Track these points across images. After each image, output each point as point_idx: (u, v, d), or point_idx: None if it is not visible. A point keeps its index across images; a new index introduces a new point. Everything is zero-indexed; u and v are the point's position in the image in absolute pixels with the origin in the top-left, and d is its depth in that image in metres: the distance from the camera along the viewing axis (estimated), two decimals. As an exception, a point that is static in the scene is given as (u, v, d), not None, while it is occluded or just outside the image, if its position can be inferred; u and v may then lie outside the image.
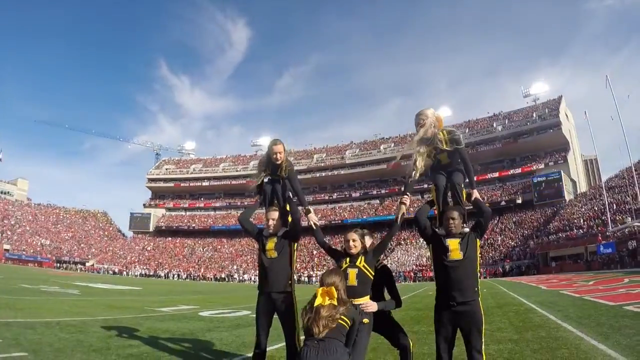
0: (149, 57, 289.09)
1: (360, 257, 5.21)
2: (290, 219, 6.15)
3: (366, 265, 5.18)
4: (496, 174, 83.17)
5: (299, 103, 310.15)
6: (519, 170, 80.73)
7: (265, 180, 6.61)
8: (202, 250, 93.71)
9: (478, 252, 5.10)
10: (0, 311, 11.42)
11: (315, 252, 76.93)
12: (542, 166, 77.27)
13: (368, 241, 5.55)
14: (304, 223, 5.98)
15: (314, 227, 5.92)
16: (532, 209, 72.82)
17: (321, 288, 4.36)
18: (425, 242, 5.51)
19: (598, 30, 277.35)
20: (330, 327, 4.06)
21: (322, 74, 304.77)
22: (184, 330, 9.99)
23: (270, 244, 5.80)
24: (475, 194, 5.51)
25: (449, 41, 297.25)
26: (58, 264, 77.52)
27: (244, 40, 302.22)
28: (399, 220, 5.52)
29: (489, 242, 67.94)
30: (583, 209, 59.63)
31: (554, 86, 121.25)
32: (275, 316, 5.68)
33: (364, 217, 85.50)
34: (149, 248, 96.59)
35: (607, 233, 45.79)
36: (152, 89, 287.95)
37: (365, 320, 4.93)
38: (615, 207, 50.57)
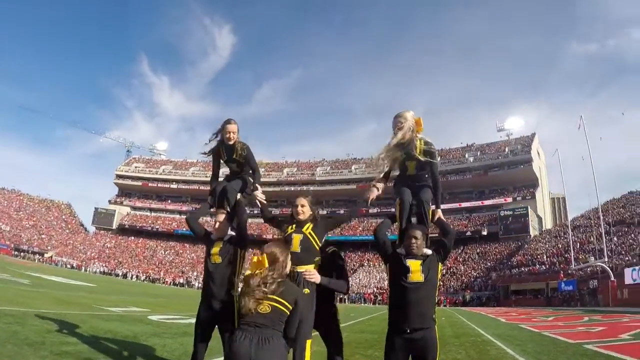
0: (131, 52, 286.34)
1: (308, 224, 4.98)
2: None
3: (312, 233, 4.94)
4: (464, 204, 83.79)
5: (276, 115, 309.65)
6: (487, 203, 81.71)
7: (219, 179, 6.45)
8: (163, 253, 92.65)
9: (439, 276, 4.79)
10: None
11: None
12: (510, 200, 78.54)
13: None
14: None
15: (260, 204, 5.79)
16: (497, 242, 73.54)
17: (255, 256, 3.95)
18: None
19: (577, 73, 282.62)
20: (263, 306, 3.72)
21: (302, 89, 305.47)
22: (127, 333, 9.54)
23: (216, 249, 5.52)
24: (439, 213, 5.29)
25: (429, 69, 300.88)
26: (16, 252, 76.11)
27: (227, 46, 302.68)
28: (367, 201, 5.39)
29: (451, 270, 68.46)
30: (547, 246, 60.64)
31: (528, 122, 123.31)
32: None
33: (329, 235, 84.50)
34: (110, 245, 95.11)
35: (569, 271, 46.43)
36: (130, 84, 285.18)
37: (306, 290, 4.63)
38: (579, 246, 51.33)
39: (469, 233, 77.03)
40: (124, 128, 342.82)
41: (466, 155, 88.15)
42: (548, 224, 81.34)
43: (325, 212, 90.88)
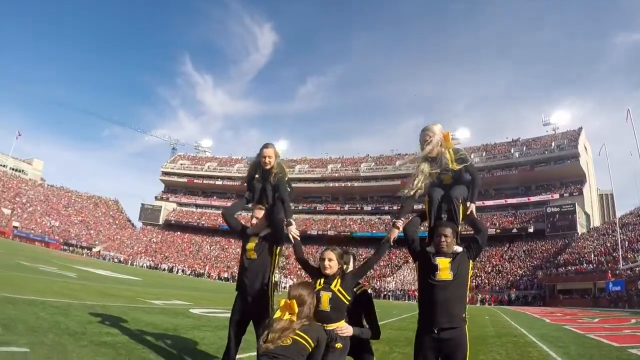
0: (175, 52, 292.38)
1: (336, 280, 4.78)
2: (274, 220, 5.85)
3: (341, 289, 4.74)
4: (510, 200, 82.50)
5: (319, 112, 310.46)
6: (533, 199, 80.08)
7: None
8: (209, 248, 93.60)
9: (470, 274, 4.72)
10: (-13, 284, 11.23)
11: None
12: (557, 196, 76.68)
13: (350, 263, 5.26)
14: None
15: (293, 241, 5.54)
16: (544, 239, 71.82)
17: (283, 300, 4.00)
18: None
19: (624, 64, 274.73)
20: (279, 343, 3.70)
21: (345, 85, 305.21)
22: (167, 325, 9.64)
23: (251, 244, 5.59)
24: (473, 207, 5.15)
25: (471, 63, 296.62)
26: (65, 247, 77.77)
27: (269, 44, 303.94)
28: (390, 241, 5.11)
29: (497, 268, 67.59)
30: (595, 244, 58.87)
31: (575, 116, 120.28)
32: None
33: (374, 231, 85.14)
34: (156, 240, 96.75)
35: (617, 271, 45.11)
36: (175, 84, 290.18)
37: (338, 345, 4.52)
38: (627, 245, 49.87)
39: (515, 230, 75.67)
40: (169, 126, 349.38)
41: (512, 151, 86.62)
42: (596, 221, 79.23)
43: (370, 207, 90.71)
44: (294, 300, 3.93)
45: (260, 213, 5.83)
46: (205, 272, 77.61)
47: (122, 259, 79.42)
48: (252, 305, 5.39)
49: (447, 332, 4.36)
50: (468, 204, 5.20)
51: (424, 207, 5.49)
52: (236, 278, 5.87)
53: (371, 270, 73.81)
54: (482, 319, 23.85)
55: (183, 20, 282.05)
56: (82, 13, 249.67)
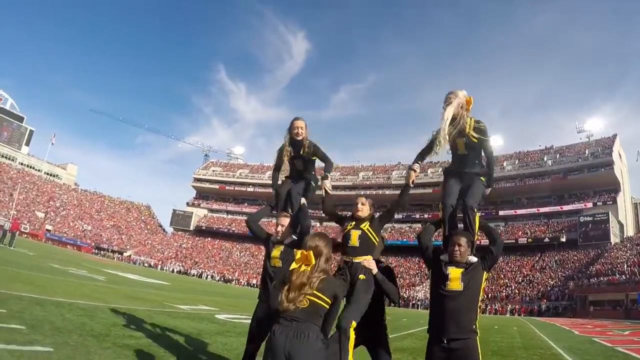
0: (210, 61, 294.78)
1: (365, 222, 5.15)
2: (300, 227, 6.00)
3: (370, 230, 5.07)
4: (542, 209, 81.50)
5: (351, 120, 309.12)
6: (566, 208, 78.89)
7: (282, 178, 6.62)
8: (239, 254, 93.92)
9: (483, 285, 4.67)
10: (18, 285, 11.46)
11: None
12: (590, 205, 75.31)
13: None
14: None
15: (325, 195, 5.86)
16: (576, 249, 70.61)
17: (299, 251, 3.88)
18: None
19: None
20: (302, 300, 3.65)
21: (377, 93, 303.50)
22: (191, 330, 9.72)
23: (276, 252, 5.65)
24: (487, 192, 5.39)
25: (503, 70, 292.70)
26: (96, 251, 78.64)
27: (302, 52, 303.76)
28: (410, 184, 5.42)
29: (527, 278, 66.74)
30: (628, 254, 57.68)
31: (609, 123, 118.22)
32: None
33: (404, 239, 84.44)
34: (186, 246, 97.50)
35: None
36: (209, 92, 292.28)
37: (362, 276, 4.71)
38: (662, 255, 48.78)
39: (547, 239, 74.63)
40: (203, 134, 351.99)
41: (545, 159, 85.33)
42: (630, 230, 77.32)
43: (401, 216, 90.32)
44: (311, 252, 3.83)
45: (285, 220, 5.89)
46: (235, 278, 78.01)
47: (152, 264, 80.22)
48: (274, 314, 5.36)
49: (456, 343, 4.34)
50: (485, 188, 5.38)
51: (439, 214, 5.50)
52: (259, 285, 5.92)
53: (401, 279, 73.69)
54: (510, 329, 23.64)
55: (218, 29, 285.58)
56: (120, 24, 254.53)
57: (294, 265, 3.84)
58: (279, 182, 6.76)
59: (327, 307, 3.80)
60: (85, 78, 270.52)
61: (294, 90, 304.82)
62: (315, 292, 3.72)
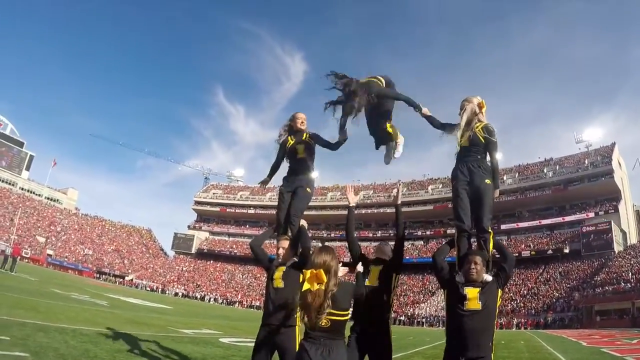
0: (208, 84, 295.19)
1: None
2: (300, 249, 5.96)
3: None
4: (544, 221, 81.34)
5: (349, 139, 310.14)
6: (568, 219, 78.75)
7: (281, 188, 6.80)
8: (241, 276, 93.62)
9: (499, 302, 4.71)
10: (21, 311, 11.40)
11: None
12: (592, 215, 75.21)
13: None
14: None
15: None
16: (580, 260, 70.51)
17: (309, 271, 3.89)
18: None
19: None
20: (320, 318, 3.78)
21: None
22: (196, 355, 9.62)
23: (278, 274, 5.59)
24: (497, 193, 5.60)
25: (501, 86, 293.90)
26: (98, 275, 78.59)
27: (300, 73, 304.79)
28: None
29: (532, 291, 66.54)
30: (632, 262, 57.70)
31: (607, 132, 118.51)
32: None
33: (407, 257, 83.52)
34: (188, 269, 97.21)
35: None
36: (207, 115, 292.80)
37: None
38: (666, 262, 48.73)
39: (550, 251, 74.40)
40: (203, 157, 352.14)
41: (545, 170, 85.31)
42: (633, 238, 77.06)
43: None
44: (321, 269, 3.86)
45: (285, 243, 5.90)
46: (237, 301, 77.78)
47: (154, 288, 80.00)
48: (278, 335, 5.33)
49: None
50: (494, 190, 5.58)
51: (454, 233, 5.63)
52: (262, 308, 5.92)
53: (405, 297, 73.51)
54: (517, 344, 23.48)
55: (215, 51, 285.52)
56: (118, 48, 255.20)
57: (306, 286, 3.84)
58: (279, 192, 6.85)
59: (347, 318, 4.00)
60: (85, 103, 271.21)
61: (292, 111, 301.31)
62: (333, 310, 3.84)
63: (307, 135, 6.82)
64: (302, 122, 6.79)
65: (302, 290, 3.86)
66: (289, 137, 6.82)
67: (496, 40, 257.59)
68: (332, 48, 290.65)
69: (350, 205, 6.01)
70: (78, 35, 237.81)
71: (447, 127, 5.93)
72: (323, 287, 3.82)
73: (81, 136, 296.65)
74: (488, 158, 5.79)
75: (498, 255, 5.14)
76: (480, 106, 5.73)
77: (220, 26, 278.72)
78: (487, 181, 5.48)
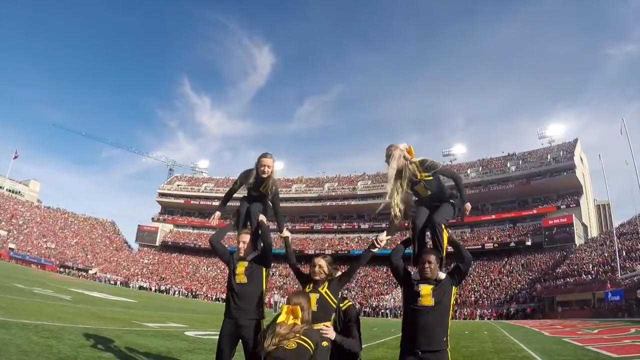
0: (174, 74, 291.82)
1: (324, 284, 5.08)
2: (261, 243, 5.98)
3: (328, 292, 5.03)
4: (507, 215, 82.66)
5: (316, 131, 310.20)
6: (530, 212, 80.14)
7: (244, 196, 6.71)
8: (206, 269, 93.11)
9: (453, 299, 4.88)
10: (-19, 308, 11.15)
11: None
12: (554, 209, 76.69)
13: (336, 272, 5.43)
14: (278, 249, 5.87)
15: (285, 250, 5.93)
16: (542, 252, 71.96)
17: (286, 306, 4.25)
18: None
19: (616, 76, 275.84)
20: (284, 346, 3.92)
21: (342, 104, 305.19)
22: (161, 349, 9.55)
23: (240, 268, 5.62)
24: (468, 207, 5.42)
25: (467, 79, 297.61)
26: (61, 269, 77.10)
27: (267, 65, 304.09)
28: (367, 252, 5.49)
29: (495, 282, 67.55)
30: (593, 254, 59.02)
31: (570, 129, 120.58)
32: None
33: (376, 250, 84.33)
34: (153, 262, 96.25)
35: (616, 280, 45.11)
36: (173, 106, 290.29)
37: (325, 343, 4.61)
38: (625, 254, 50.06)
39: (512, 244, 75.61)
40: (168, 148, 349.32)
41: (508, 165, 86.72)
42: (594, 232, 79.34)
43: (367, 226, 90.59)
44: (297, 307, 4.20)
45: (246, 237, 5.89)
46: (203, 293, 77.48)
47: (118, 281, 78.74)
48: (242, 329, 5.37)
49: (427, 355, 4.52)
50: (463, 206, 5.46)
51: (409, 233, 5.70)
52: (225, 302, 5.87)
53: (370, 288, 73.93)
54: (480, 334, 23.75)
55: (181, 42, 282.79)
56: (83, 36, 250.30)
57: (282, 318, 4.15)
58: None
59: (312, 351, 4.06)
60: (48, 92, 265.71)
61: (260, 102, 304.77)
62: (302, 336, 4.05)
63: (270, 186, 6.40)
64: (264, 170, 6.26)
65: (278, 321, 4.12)
66: (249, 177, 6.46)
67: (464, 34, 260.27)
68: (301, 40, 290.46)
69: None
70: (40, 22, 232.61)
71: (392, 227, 5.81)
72: (298, 321, 4.15)
73: (43, 126, 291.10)
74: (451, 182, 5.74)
75: (452, 250, 5.32)
76: (409, 152, 5.60)
77: (186, 15, 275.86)
78: (451, 201, 5.59)
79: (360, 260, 5.56)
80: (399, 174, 5.53)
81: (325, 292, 5.02)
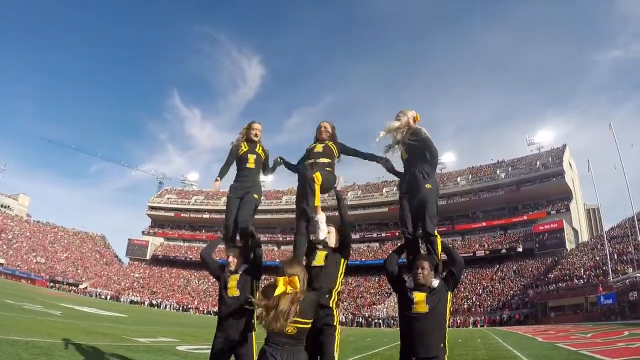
0: (164, 87, 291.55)
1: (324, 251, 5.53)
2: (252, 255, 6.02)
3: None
4: (498, 222, 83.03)
5: (306, 142, 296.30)
6: (521, 218, 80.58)
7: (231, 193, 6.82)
8: (197, 282, 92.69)
9: (449, 305, 4.89)
10: (-30, 325, 11.02)
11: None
12: (544, 215, 77.02)
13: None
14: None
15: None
16: (533, 258, 72.07)
17: (283, 277, 4.13)
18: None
19: (603, 82, 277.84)
20: (287, 323, 3.96)
21: (333, 114, 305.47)
22: (152, 364, 9.47)
23: (232, 282, 5.62)
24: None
25: (457, 87, 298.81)
26: (51, 284, 76.66)
27: (257, 77, 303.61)
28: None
29: (487, 289, 67.60)
30: (584, 259, 59.34)
31: (558, 135, 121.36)
32: None
33: (363, 259, 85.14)
34: (143, 276, 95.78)
35: (608, 283, 45.30)
36: (163, 118, 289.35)
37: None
38: (616, 257, 50.44)
39: (504, 250, 75.84)
40: (158, 161, 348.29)
41: (497, 172, 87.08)
42: (584, 236, 79.85)
43: (357, 236, 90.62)
44: (295, 277, 4.13)
45: (235, 251, 5.90)
46: (194, 307, 77.04)
47: (109, 296, 78.28)
48: (235, 342, 5.35)
49: None
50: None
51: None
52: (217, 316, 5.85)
53: (362, 299, 73.81)
54: (474, 342, 23.70)
55: (172, 54, 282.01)
56: (71, 48, 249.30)
57: (281, 289, 4.04)
58: (228, 201, 6.84)
59: (309, 326, 4.18)
60: (37, 105, 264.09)
61: (250, 114, 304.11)
62: (299, 319, 4.04)
63: (261, 148, 6.96)
64: (256, 134, 6.93)
65: (276, 294, 4.01)
66: (243, 144, 6.88)
67: (454, 43, 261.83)
68: (290, 52, 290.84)
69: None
70: (28, 35, 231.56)
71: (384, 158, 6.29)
72: (296, 292, 4.07)
73: (32, 140, 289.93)
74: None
75: (447, 258, 5.32)
76: (415, 119, 6.02)
77: (176, 27, 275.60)
78: (428, 186, 5.62)
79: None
80: (397, 130, 6.02)
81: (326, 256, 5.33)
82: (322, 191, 6.02)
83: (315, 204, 5.81)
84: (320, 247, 5.53)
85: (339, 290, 5.25)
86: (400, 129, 5.98)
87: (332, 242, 5.61)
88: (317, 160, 6.16)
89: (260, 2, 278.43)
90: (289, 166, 7.01)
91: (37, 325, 13.94)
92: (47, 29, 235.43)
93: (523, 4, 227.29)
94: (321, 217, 5.80)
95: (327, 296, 5.06)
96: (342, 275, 5.31)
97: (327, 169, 6.18)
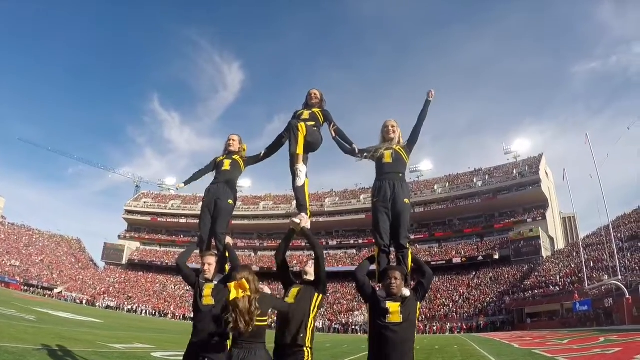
0: (143, 90, 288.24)
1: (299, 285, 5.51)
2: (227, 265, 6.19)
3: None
4: (474, 229, 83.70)
5: (285, 148, 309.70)
6: (497, 226, 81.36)
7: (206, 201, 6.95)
8: (173, 287, 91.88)
9: (417, 314, 5.05)
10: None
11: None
12: (520, 223, 77.69)
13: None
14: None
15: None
16: (509, 265, 72.67)
17: (233, 282, 4.28)
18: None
19: (580, 92, 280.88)
20: (252, 322, 4.20)
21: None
22: (128, 371, 9.33)
23: (207, 290, 5.67)
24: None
25: (436, 95, 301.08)
26: (25, 287, 75.77)
27: (237, 82, 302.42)
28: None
29: (464, 296, 67.82)
30: (560, 266, 60.13)
31: (535, 144, 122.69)
32: None
33: (340, 266, 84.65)
34: (119, 280, 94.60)
35: (584, 290, 45.71)
36: (142, 122, 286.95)
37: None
38: (592, 265, 50.88)
39: (480, 258, 76.42)
40: (136, 164, 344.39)
41: (474, 180, 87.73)
42: (560, 244, 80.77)
43: (335, 242, 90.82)
44: (244, 280, 4.28)
45: (212, 259, 5.94)
46: (171, 312, 76.56)
47: (84, 300, 77.45)
48: (209, 350, 5.36)
49: None
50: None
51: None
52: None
53: (339, 305, 73.80)
54: (451, 348, 23.75)
55: (151, 58, 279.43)
56: (49, 49, 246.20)
57: (233, 294, 4.20)
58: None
59: (267, 324, 4.44)
60: (14, 105, 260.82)
61: (229, 119, 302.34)
62: (258, 318, 4.29)
63: (238, 156, 7.27)
64: (230, 144, 7.31)
65: (231, 299, 4.19)
66: (222, 156, 7.25)
67: (434, 52, 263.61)
68: (271, 57, 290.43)
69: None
70: (7, 34, 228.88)
71: (365, 151, 6.72)
72: (249, 293, 4.25)
73: (8, 141, 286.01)
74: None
75: (417, 270, 5.48)
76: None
77: (157, 30, 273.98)
78: (406, 201, 5.88)
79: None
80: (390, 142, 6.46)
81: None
82: (307, 145, 6.35)
83: (298, 152, 6.11)
84: (297, 282, 5.54)
85: (312, 327, 5.12)
86: (393, 140, 6.44)
87: (312, 275, 5.54)
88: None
89: (242, 7, 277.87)
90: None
91: (9, 330, 13.75)
92: (25, 29, 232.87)
93: (503, 14, 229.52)
94: (301, 166, 6.15)
95: (301, 335, 4.96)
96: (315, 311, 5.21)
97: (314, 128, 6.66)
